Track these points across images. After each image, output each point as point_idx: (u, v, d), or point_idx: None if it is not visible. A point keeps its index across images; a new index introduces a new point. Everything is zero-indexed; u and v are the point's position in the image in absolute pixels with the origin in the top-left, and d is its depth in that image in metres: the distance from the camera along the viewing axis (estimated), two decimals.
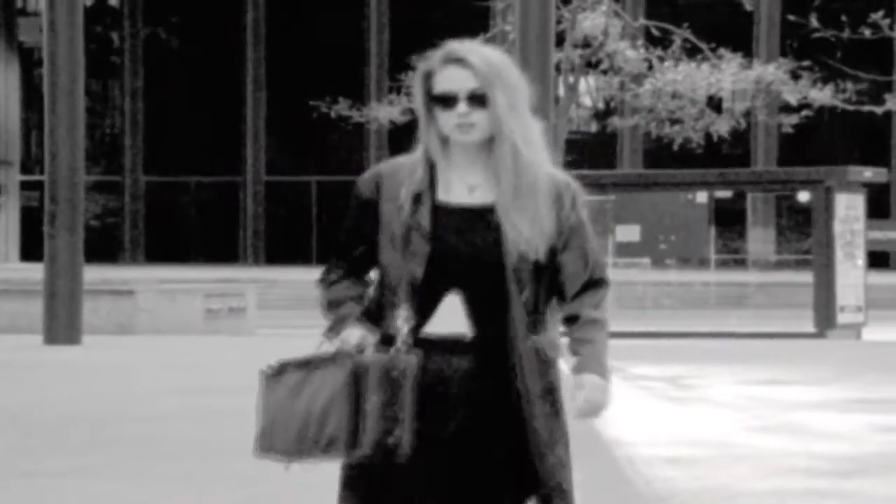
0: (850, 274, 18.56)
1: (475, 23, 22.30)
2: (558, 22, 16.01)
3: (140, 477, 6.96)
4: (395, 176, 3.24)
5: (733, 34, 26.23)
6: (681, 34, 18.83)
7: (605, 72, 19.28)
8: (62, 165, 15.40)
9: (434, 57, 3.24)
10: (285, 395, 3.09)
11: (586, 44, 18.45)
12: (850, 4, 21.35)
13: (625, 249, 20.74)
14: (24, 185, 41.81)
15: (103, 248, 38.50)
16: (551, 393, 3.13)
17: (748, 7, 20.19)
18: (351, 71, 39.91)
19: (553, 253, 3.18)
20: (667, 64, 18.22)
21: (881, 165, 22.29)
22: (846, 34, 19.25)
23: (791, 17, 21.62)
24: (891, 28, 19.29)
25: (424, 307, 3.12)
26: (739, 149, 33.09)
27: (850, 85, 18.99)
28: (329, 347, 3.12)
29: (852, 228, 18.63)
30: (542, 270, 3.15)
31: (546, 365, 3.14)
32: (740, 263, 24.49)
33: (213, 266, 36.68)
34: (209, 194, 42.78)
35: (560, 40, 16.67)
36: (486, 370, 3.11)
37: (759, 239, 26.10)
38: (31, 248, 35.09)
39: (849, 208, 18.64)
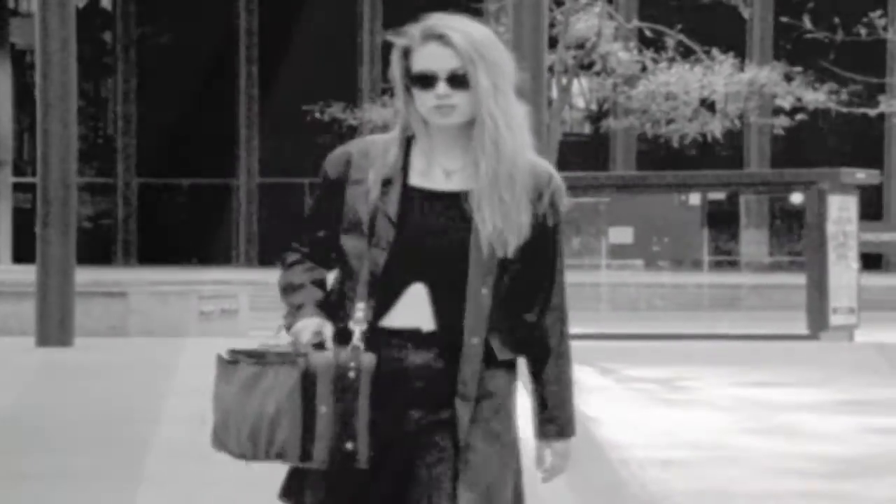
0: (843, 276, 18.57)
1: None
2: (551, 24, 16.01)
3: (128, 479, 6.94)
4: (367, 155, 3.04)
5: (726, 36, 26.26)
6: (674, 36, 18.84)
7: (598, 73, 19.27)
8: (55, 167, 15.37)
9: (413, 32, 3.02)
10: (237, 390, 2.89)
11: (579, 45, 18.45)
12: (843, 6, 21.36)
13: (618, 251, 20.74)
14: (17, 187, 41.75)
15: (96, 249, 38.45)
16: (493, 398, 2.94)
17: (745, 15, 20.18)
18: (344, 73, 39.90)
19: (522, 252, 2.96)
20: (660, 66, 18.22)
21: (874, 167, 22.30)
22: (839, 36, 19.25)
23: (784, 20, 21.62)
24: (885, 29, 19.30)
25: (386, 297, 2.93)
26: (732, 151, 33.13)
27: (843, 87, 18.99)
28: (286, 338, 2.91)
29: (845, 230, 18.64)
30: (506, 269, 2.95)
31: (495, 366, 2.94)
32: (733, 265, 24.50)
33: (206, 268, 36.63)
34: (202, 196, 42.74)
35: (553, 42, 16.67)
36: (446, 365, 2.92)
37: (752, 241, 26.13)
38: (23, 250, 35.03)
39: (841, 210, 18.65)
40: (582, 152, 37.54)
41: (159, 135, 42.02)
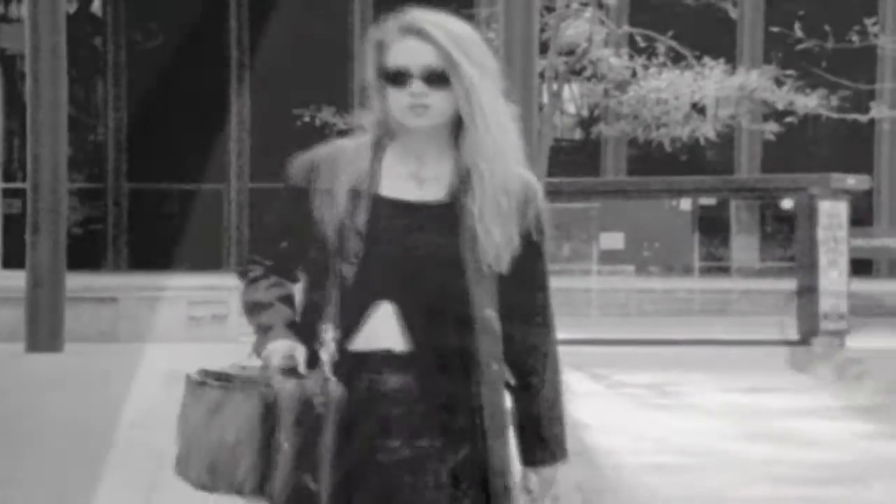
0: (834, 281, 18.59)
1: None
2: (542, 30, 16.02)
3: (115, 484, 6.92)
4: (334, 162, 2.78)
5: (717, 42, 26.29)
6: (664, 41, 18.86)
7: (588, 79, 19.29)
8: (45, 172, 15.35)
9: (389, 25, 2.81)
10: (202, 414, 2.65)
11: (570, 51, 18.47)
12: (834, 13, 21.42)
13: (609, 257, 20.75)
14: (7, 193, 41.68)
15: (86, 255, 38.40)
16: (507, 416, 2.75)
17: (733, 15, 20.21)
18: (335, 78, 39.92)
19: (511, 268, 2.71)
20: (651, 71, 18.24)
21: (864, 173, 22.35)
22: (830, 43, 19.28)
23: (776, 24, 21.65)
24: (876, 36, 19.33)
25: (356, 316, 2.67)
26: (723, 156, 33.17)
27: (833, 93, 19.02)
28: (255, 362, 2.65)
29: (835, 236, 18.67)
30: (499, 285, 2.72)
31: (505, 388, 2.75)
32: (724, 271, 24.52)
33: (196, 273, 36.61)
34: (193, 201, 42.72)
35: (544, 48, 16.67)
36: (426, 390, 2.66)
37: (743, 246, 26.15)
38: (13, 256, 34.96)
39: (832, 216, 18.68)
40: (573, 158, 37.57)
41: (150, 140, 41.98)
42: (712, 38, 26.32)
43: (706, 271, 23.85)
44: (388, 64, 2.77)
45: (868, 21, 19.18)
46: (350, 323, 2.68)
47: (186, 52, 44.35)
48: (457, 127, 2.78)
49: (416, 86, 2.73)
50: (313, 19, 44.38)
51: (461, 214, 2.72)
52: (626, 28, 20.58)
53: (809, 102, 18.63)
